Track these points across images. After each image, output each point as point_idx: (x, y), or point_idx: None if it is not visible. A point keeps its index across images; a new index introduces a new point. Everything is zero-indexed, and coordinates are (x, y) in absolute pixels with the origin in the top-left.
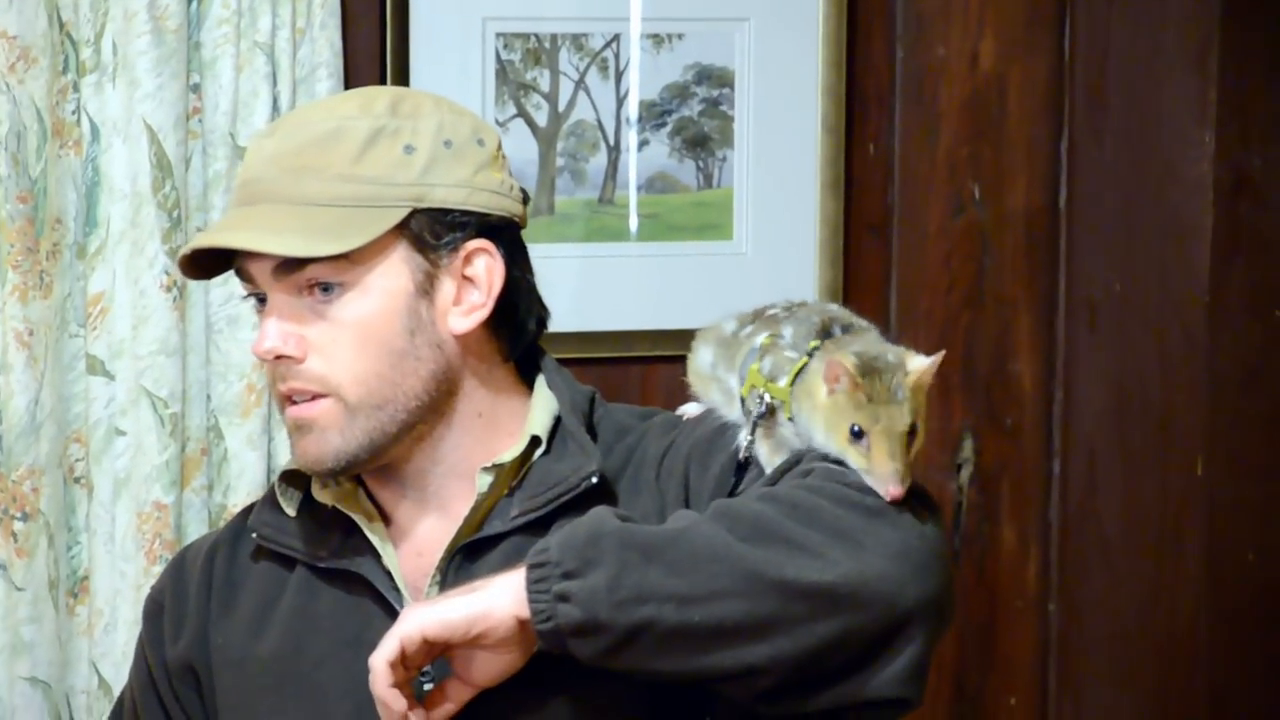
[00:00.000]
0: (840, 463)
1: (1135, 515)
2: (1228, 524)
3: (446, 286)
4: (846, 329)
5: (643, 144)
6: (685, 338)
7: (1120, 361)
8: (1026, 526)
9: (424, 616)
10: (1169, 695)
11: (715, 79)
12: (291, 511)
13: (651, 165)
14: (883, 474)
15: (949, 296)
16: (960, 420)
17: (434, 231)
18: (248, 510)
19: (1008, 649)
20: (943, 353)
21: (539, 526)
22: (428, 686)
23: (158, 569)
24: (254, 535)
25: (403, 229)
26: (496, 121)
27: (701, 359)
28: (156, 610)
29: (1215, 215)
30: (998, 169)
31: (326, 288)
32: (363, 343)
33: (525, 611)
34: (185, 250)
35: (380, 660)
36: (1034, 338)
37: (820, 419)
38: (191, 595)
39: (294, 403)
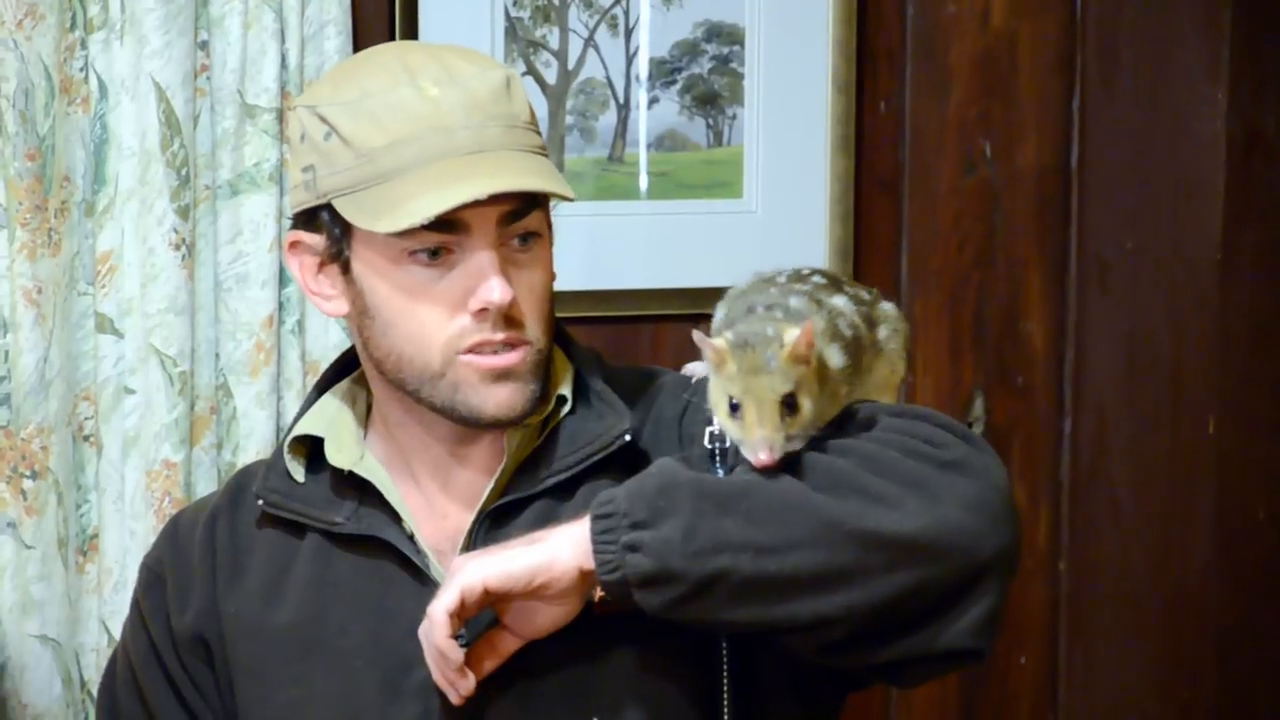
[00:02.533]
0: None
1: (1146, 474)
2: (1239, 483)
3: None
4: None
5: (652, 102)
6: (695, 296)
7: (1131, 320)
8: (1037, 486)
9: (486, 567)
10: (1179, 654)
11: (725, 36)
12: (300, 477)
13: (661, 123)
14: (751, 441)
15: (960, 255)
16: (971, 379)
17: None
18: (240, 477)
19: (1018, 608)
20: (809, 322)
21: (565, 489)
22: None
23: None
24: (261, 503)
25: None
26: None
27: (716, 317)
28: (156, 581)
29: (1227, 173)
30: (1009, 127)
31: (526, 237)
32: (545, 291)
33: (589, 562)
34: (473, 196)
35: (440, 610)
36: (1045, 296)
37: (710, 398)
38: (195, 564)
39: (472, 352)
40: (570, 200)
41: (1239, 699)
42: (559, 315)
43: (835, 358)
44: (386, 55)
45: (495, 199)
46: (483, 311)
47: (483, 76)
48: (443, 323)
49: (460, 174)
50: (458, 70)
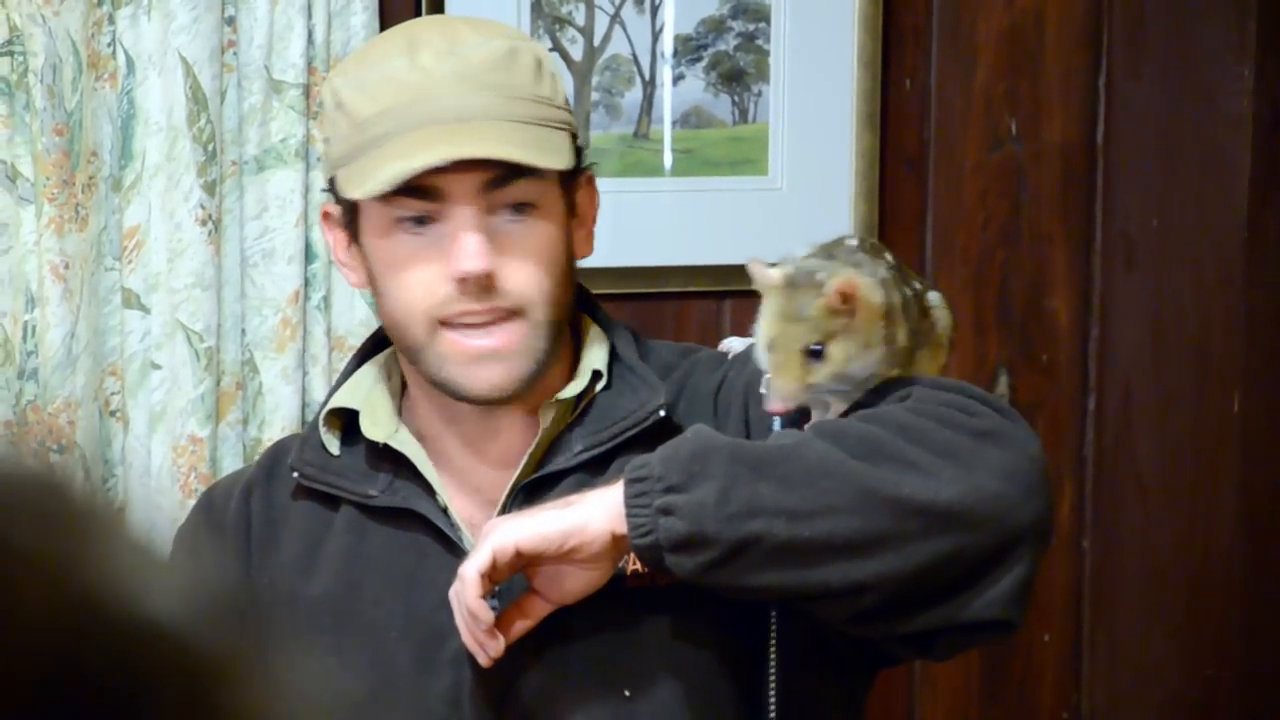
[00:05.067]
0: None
1: (1171, 451)
2: (1264, 460)
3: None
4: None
5: (678, 78)
6: (719, 273)
7: (1157, 297)
8: (1061, 463)
9: (518, 528)
10: (1203, 631)
11: (751, 13)
12: (336, 450)
13: (687, 100)
14: (768, 387)
15: (985, 232)
16: (995, 356)
17: (575, 158)
18: (275, 450)
19: (1041, 586)
20: (847, 275)
21: (598, 464)
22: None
23: (193, 502)
24: (295, 475)
25: None
26: None
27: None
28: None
29: (1254, 150)
30: (1035, 103)
31: (519, 207)
32: (547, 262)
33: (622, 526)
34: (432, 162)
35: (472, 569)
36: (1070, 274)
37: (756, 323)
38: (229, 536)
39: (457, 327)
40: (542, 171)
41: (1263, 676)
42: (592, 292)
43: (902, 335)
44: (402, 28)
45: (475, 166)
46: (463, 281)
47: (484, 46)
48: (424, 292)
49: (432, 142)
50: (462, 40)
